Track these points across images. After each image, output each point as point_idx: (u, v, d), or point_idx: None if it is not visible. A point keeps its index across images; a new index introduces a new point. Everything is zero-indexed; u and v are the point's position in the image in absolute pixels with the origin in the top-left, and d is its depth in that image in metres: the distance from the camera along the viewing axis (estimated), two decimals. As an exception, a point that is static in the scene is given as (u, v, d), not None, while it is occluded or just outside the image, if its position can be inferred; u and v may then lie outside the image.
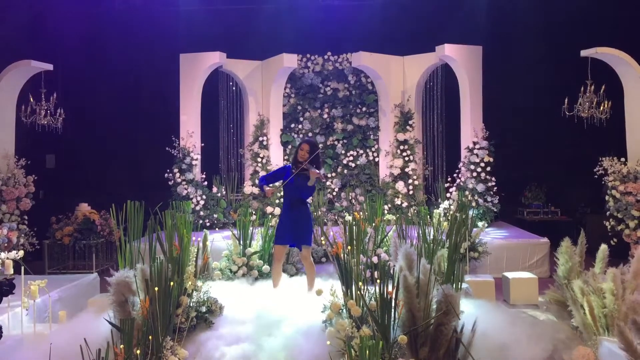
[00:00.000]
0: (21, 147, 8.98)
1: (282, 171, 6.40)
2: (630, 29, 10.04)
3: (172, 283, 4.81)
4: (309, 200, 10.53)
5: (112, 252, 9.42)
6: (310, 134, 11.46)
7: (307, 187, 6.13)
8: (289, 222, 6.18)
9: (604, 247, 5.24)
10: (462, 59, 10.55)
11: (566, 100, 8.55)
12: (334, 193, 11.29)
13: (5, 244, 7.84)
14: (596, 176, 8.65)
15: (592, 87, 8.45)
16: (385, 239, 7.56)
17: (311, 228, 6.28)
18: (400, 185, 10.93)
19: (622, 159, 8.56)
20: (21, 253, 6.19)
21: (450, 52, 10.48)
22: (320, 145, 11.44)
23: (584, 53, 8.63)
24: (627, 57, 8.49)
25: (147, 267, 4.81)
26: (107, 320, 4.61)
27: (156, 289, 4.63)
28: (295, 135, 11.44)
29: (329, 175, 11.30)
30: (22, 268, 5.70)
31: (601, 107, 8.43)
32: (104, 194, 9.76)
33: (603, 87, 8.42)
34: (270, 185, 6.57)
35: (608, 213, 8.54)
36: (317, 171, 6.03)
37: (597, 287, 4.77)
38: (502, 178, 10.43)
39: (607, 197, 8.56)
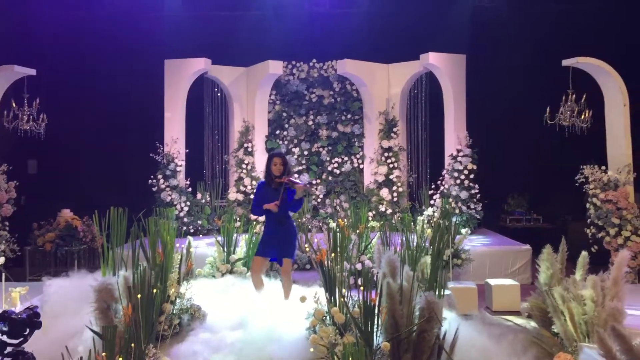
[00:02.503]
0: (3, 152, 8.90)
1: (263, 190, 6.09)
2: (610, 39, 10.20)
3: (155, 290, 4.78)
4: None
5: (95, 259, 9.33)
6: (295, 141, 11.48)
7: (295, 201, 5.97)
8: (275, 238, 6.00)
9: (584, 254, 5.28)
10: (446, 67, 10.63)
11: (548, 109, 8.66)
12: (319, 200, 11.30)
13: (-14, 251, 7.76)
14: (577, 184, 8.77)
15: (574, 96, 8.58)
16: (369, 246, 7.59)
17: (296, 243, 6.12)
18: (384, 192, 10.97)
19: (603, 167, 8.68)
20: (2, 259, 6.13)
21: (435, 61, 10.56)
22: (305, 152, 11.46)
23: (565, 62, 8.75)
24: (608, 67, 8.63)
25: (130, 274, 4.78)
26: (89, 328, 4.57)
27: (139, 296, 4.60)
28: (281, 142, 11.44)
29: (314, 182, 11.32)
30: (3, 275, 5.66)
31: (582, 116, 8.55)
32: (87, 200, 9.66)
33: (584, 96, 8.55)
34: (265, 205, 6.03)
35: (589, 220, 8.65)
36: (302, 183, 5.92)
37: (578, 294, 4.81)
38: (485, 185, 10.50)
39: (588, 205, 8.68)
